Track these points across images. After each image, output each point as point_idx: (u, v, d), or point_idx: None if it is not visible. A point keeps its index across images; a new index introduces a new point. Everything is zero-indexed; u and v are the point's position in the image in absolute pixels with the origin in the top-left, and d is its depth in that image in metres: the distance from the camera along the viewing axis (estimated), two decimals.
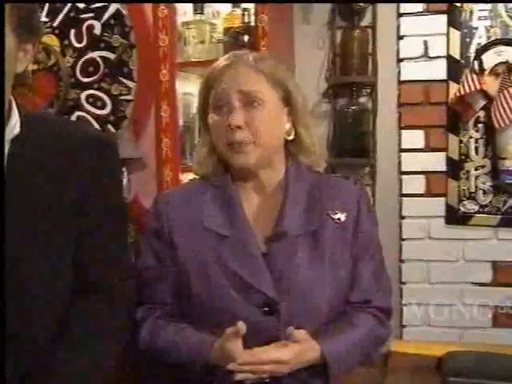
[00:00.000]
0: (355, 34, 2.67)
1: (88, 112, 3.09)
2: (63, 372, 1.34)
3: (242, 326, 1.35)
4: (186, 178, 2.54)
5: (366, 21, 2.70)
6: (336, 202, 1.57)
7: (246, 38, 2.56)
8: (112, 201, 1.51)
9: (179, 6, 2.68)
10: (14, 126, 1.39)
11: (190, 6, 2.70)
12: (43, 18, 3.10)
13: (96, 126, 3.06)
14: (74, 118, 3.09)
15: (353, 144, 2.71)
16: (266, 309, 1.45)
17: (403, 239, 2.74)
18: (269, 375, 1.41)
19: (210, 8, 2.74)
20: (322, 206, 1.55)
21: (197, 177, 1.69)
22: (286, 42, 2.77)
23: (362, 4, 2.64)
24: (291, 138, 1.59)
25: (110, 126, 3.06)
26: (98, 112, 3.09)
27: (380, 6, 2.68)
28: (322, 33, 2.76)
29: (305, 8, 2.76)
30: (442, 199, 2.71)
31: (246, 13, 2.58)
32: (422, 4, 2.64)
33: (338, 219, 1.54)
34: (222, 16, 2.71)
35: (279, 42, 2.64)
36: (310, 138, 1.61)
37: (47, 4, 3.09)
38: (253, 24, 2.53)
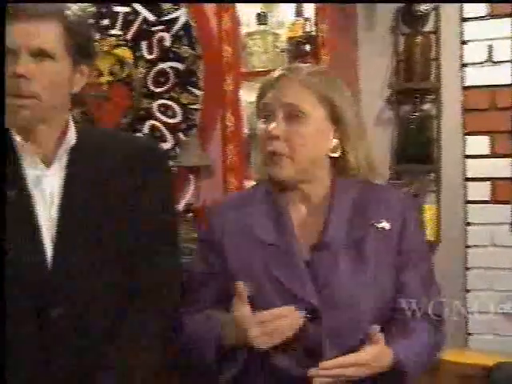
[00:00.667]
0: (418, 40, 2.66)
1: (160, 120, 3.24)
2: (116, 367, 1.46)
3: (240, 285, 1.41)
4: (251, 185, 2.62)
5: (429, 26, 2.69)
6: (381, 211, 1.58)
7: (307, 47, 2.62)
8: (160, 209, 1.60)
9: (243, 16, 2.75)
10: (70, 137, 1.51)
11: (253, 17, 2.76)
12: (116, 32, 3.26)
13: (167, 134, 3.20)
14: (146, 126, 3.26)
15: (417, 150, 2.70)
16: (308, 316, 1.49)
17: (468, 246, 2.71)
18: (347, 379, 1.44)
19: (273, 18, 2.81)
20: (367, 215, 1.58)
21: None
22: (350, 49, 2.80)
23: (424, 9, 2.63)
24: (336, 155, 1.60)
25: (180, 134, 3.19)
26: (170, 120, 3.23)
27: (443, 11, 2.66)
28: (385, 39, 2.77)
29: (368, 15, 2.77)
30: (508, 206, 2.67)
31: (308, 22, 2.63)
32: (485, 8, 2.61)
33: (383, 228, 1.56)
34: (285, 26, 2.77)
35: (341, 49, 2.68)
36: (355, 159, 1.61)
37: (120, 18, 3.24)
38: (314, 33, 2.58)
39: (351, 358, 1.41)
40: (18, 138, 1.49)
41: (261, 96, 1.62)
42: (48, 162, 1.51)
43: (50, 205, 1.48)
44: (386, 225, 1.56)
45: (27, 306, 1.43)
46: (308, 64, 1.73)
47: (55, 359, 1.43)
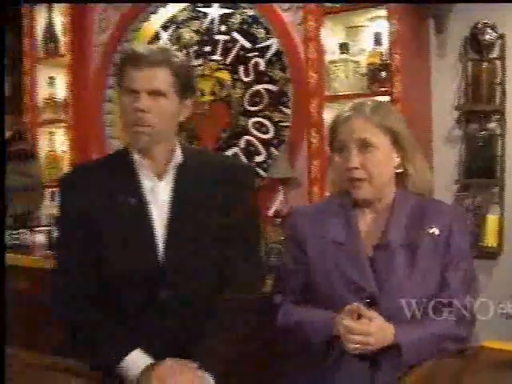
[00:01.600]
0: (484, 66, 2.91)
1: (254, 136, 3.59)
2: (215, 340, 1.83)
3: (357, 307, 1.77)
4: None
5: (495, 53, 2.92)
6: (432, 220, 1.92)
7: (383, 74, 2.92)
8: (247, 216, 1.98)
9: (327, 46, 3.06)
10: (177, 156, 1.91)
11: (336, 46, 3.08)
12: (217, 57, 3.66)
13: (261, 148, 3.55)
14: (242, 141, 3.61)
15: (482, 165, 2.93)
16: (368, 300, 1.83)
17: None
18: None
19: (354, 47, 3.12)
20: (421, 223, 1.92)
21: None
22: (423, 74, 3.07)
23: (490, 38, 2.89)
24: (400, 170, 1.97)
25: (272, 148, 3.52)
26: (263, 136, 3.57)
27: (509, 39, 2.90)
28: (455, 65, 3.02)
29: (440, 44, 3.04)
30: None
31: (384, 51, 2.94)
32: None
33: (433, 233, 1.90)
34: (365, 53, 3.07)
35: (414, 75, 2.96)
36: (414, 170, 1.97)
37: (220, 45, 3.65)
38: (389, 61, 2.89)
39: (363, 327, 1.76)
40: (137, 157, 1.91)
41: (333, 131, 1.98)
42: (160, 176, 1.91)
43: (161, 209, 1.88)
44: (435, 230, 1.90)
45: (143, 289, 1.84)
46: (371, 100, 2.07)
47: (164, 329, 1.83)
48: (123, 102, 1.86)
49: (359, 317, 1.77)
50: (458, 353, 1.85)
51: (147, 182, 1.89)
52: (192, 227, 1.89)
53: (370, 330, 1.75)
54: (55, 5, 4.10)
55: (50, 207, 4.13)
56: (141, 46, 1.91)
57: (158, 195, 1.89)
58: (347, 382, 1.81)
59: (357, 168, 1.89)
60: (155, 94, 1.84)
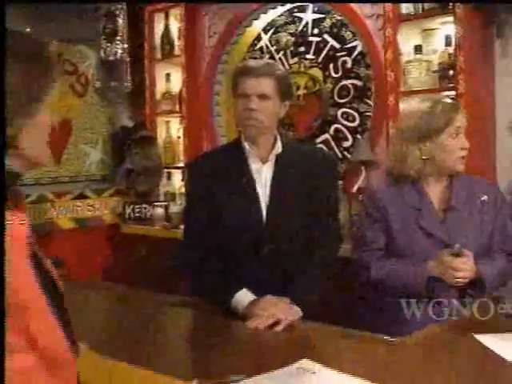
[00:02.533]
0: None
1: (342, 124, 4.12)
2: (302, 283, 2.43)
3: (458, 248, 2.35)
4: None
5: None
6: (482, 191, 2.54)
7: (450, 72, 3.41)
8: (329, 194, 2.57)
9: (403, 49, 3.58)
10: (278, 146, 2.50)
11: (411, 48, 3.59)
12: (310, 56, 4.22)
13: (348, 135, 4.09)
14: (332, 129, 4.15)
15: None
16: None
17: None
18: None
19: (428, 47, 3.60)
20: (473, 193, 2.53)
21: None
22: (486, 74, 3.53)
23: None
24: None
25: (357, 135, 4.06)
26: (350, 124, 4.10)
27: None
28: None
29: (503, 44, 3.51)
30: None
31: (453, 51, 3.42)
32: None
33: (484, 200, 2.51)
34: (437, 53, 3.57)
35: (478, 74, 3.44)
36: None
37: (313, 45, 4.20)
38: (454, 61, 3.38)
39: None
40: (246, 145, 2.51)
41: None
42: (264, 161, 2.50)
43: (264, 185, 2.48)
44: (485, 198, 2.52)
45: (250, 244, 2.45)
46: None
47: (265, 274, 2.44)
48: (238, 104, 2.46)
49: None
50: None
51: (254, 165, 2.49)
52: (287, 200, 2.48)
53: (467, 266, 2.34)
54: (171, 12, 4.75)
55: (166, 185, 4.82)
56: (252, 61, 2.52)
57: (262, 175, 2.49)
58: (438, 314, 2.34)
59: (465, 148, 2.49)
60: (263, 97, 2.42)
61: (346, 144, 4.13)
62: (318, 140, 4.21)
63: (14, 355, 1.11)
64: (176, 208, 4.61)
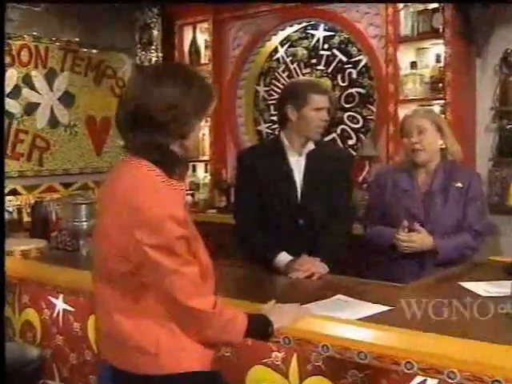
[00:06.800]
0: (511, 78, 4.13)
1: (348, 126, 4.84)
2: (329, 246, 3.11)
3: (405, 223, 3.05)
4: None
5: None
6: (458, 177, 3.13)
7: (440, 84, 4.16)
8: (347, 183, 3.31)
9: (402, 64, 4.34)
10: (311, 144, 3.22)
11: (408, 64, 4.34)
12: (321, 67, 4.92)
13: (352, 134, 4.81)
14: (339, 129, 4.86)
15: (510, 149, 4.14)
16: (419, 223, 3.06)
17: None
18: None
19: (422, 62, 4.36)
20: (451, 179, 3.14)
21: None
22: (469, 85, 4.26)
23: None
24: (442, 146, 3.18)
25: (361, 135, 4.77)
26: (354, 126, 4.82)
27: None
28: (493, 79, 4.19)
29: (482, 63, 4.27)
30: None
31: (441, 67, 4.17)
32: None
33: (458, 186, 3.12)
34: (429, 68, 4.32)
35: (462, 86, 4.18)
36: (450, 145, 3.17)
37: (323, 58, 4.94)
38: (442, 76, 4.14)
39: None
40: (286, 142, 3.23)
41: (402, 124, 3.25)
42: (299, 154, 3.22)
43: (299, 173, 3.18)
44: (459, 184, 3.11)
45: (287, 217, 3.16)
46: (423, 108, 3.40)
47: (300, 241, 3.15)
48: (311, 115, 3.04)
49: (410, 230, 3.05)
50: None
51: (291, 158, 3.19)
52: (316, 185, 3.17)
53: (413, 238, 3.03)
54: (198, 26, 5.46)
55: (192, 176, 5.51)
56: (317, 80, 3.29)
57: (298, 165, 3.21)
58: (404, 275, 3.09)
59: (417, 143, 3.11)
60: (326, 110, 3.11)
61: (351, 142, 4.86)
62: (327, 138, 4.87)
63: (189, 267, 1.84)
64: (202, 196, 5.34)
